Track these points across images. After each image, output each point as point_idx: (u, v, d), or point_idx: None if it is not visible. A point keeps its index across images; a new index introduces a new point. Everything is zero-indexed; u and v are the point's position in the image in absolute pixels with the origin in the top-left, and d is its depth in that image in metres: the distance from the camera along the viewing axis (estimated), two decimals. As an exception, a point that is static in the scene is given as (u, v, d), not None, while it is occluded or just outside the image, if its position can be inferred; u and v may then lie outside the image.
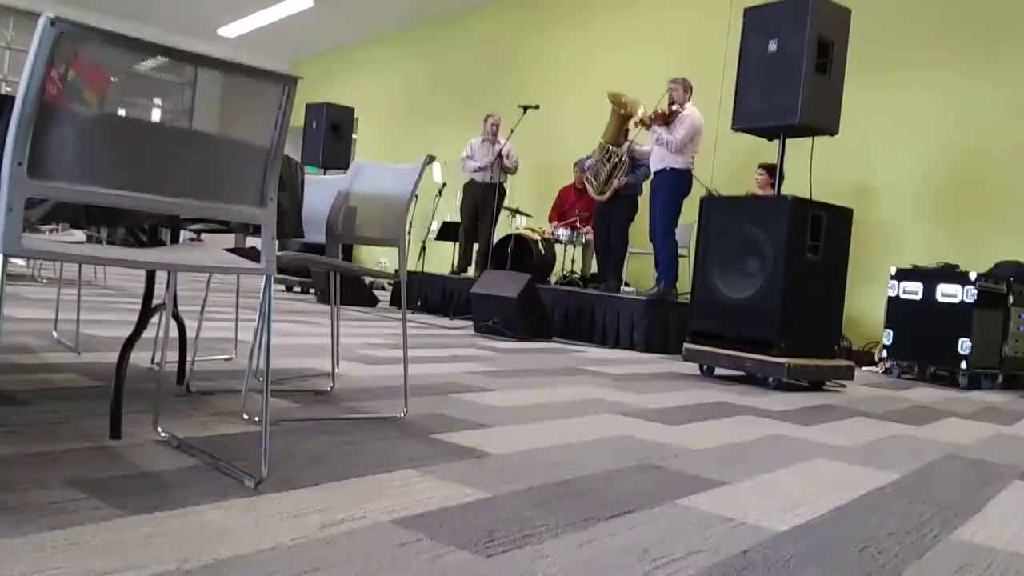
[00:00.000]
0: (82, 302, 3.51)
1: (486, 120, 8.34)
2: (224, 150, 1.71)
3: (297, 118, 8.98)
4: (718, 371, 4.70)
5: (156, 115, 1.77)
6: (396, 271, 2.59)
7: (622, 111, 6.83)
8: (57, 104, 1.45)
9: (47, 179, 1.44)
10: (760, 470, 2.28)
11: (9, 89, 11.57)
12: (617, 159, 6.85)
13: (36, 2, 11.85)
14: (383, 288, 9.93)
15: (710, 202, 4.81)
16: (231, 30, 13.40)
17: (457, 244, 8.74)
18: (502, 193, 8.27)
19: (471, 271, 8.36)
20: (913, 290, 5.56)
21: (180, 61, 1.57)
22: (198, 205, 1.67)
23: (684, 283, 6.12)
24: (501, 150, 8.00)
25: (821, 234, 4.42)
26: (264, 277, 1.79)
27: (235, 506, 1.51)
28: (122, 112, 1.64)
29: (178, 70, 1.58)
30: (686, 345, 4.71)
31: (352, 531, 1.44)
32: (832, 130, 4.52)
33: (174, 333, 2.60)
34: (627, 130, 6.95)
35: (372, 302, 7.97)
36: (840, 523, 1.81)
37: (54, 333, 3.51)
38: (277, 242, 1.98)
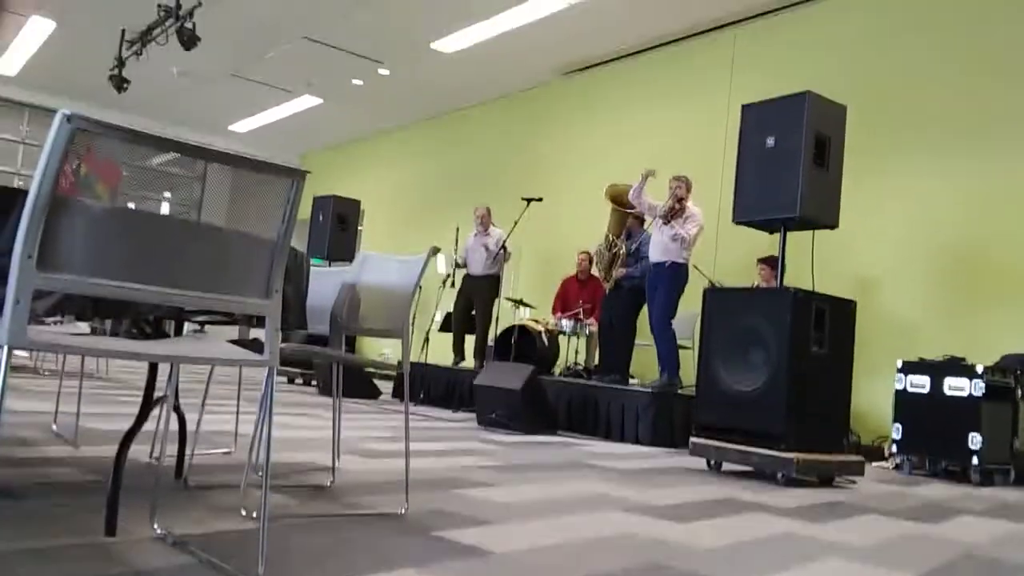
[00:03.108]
0: (83, 394, 3.48)
1: (474, 212, 8.50)
2: (231, 243, 1.73)
3: (304, 210, 9.09)
4: (726, 466, 4.62)
5: (165, 208, 1.80)
6: (399, 363, 2.58)
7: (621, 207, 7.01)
8: (69, 197, 1.47)
9: (56, 271, 1.44)
10: (770, 570, 2.21)
11: (21, 182, 11.80)
12: (616, 250, 6.96)
13: (50, 99, 12.19)
14: (386, 378, 9.86)
15: (713, 293, 4.82)
16: (243, 126, 13.75)
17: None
18: (495, 283, 8.31)
19: (468, 362, 8.32)
20: (920, 383, 5.50)
21: (191, 156, 1.60)
22: (205, 297, 1.67)
23: (689, 375, 6.07)
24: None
25: (825, 326, 4.41)
26: (267, 369, 1.78)
27: (230, 607, 1.46)
28: (132, 205, 1.66)
29: (189, 164, 1.61)
30: (692, 439, 4.63)
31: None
32: (832, 223, 4.56)
33: (174, 426, 2.57)
34: (642, 220, 7.04)
35: (374, 394, 7.91)
36: (857, 627, 1.74)
37: (53, 426, 3.47)
38: (280, 333, 1.97)
